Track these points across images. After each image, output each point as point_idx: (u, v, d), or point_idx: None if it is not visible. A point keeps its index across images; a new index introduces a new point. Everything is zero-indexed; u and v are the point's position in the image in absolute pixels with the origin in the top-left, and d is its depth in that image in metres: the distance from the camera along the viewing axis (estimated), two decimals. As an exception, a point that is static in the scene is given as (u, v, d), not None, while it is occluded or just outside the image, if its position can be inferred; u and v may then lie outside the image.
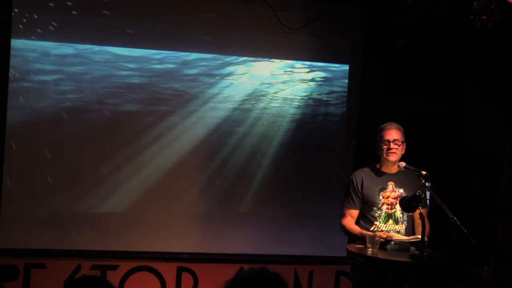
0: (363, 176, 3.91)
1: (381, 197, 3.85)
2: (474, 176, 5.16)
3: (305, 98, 5.06)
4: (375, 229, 3.83)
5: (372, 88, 5.12)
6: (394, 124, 3.90)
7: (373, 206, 3.85)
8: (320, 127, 5.09)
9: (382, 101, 5.04)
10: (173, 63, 4.82)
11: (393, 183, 3.88)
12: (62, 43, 4.61)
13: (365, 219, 3.88)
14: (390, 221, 3.84)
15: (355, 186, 3.90)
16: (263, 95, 4.99)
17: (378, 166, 3.93)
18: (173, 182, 4.82)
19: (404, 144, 3.90)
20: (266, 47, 4.97)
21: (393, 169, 3.89)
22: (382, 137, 3.87)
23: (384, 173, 3.91)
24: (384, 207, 3.85)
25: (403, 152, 3.90)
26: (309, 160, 5.05)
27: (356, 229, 3.85)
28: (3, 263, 4.52)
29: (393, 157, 3.86)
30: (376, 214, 3.85)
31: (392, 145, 3.84)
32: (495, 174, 5.22)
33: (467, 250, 3.67)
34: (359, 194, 3.88)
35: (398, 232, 3.85)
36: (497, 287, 4.67)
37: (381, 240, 3.67)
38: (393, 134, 3.85)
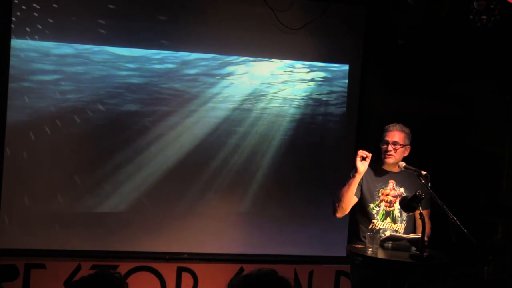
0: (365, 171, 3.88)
1: (380, 194, 3.86)
2: (474, 176, 5.16)
3: (305, 98, 5.06)
4: (373, 227, 3.83)
5: (372, 88, 5.12)
6: (398, 126, 3.87)
7: (371, 203, 3.85)
8: (320, 127, 5.09)
9: (382, 101, 5.04)
10: (173, 63, 4.82)
11: (394, 181, 3.88)
12: (62, 43, 4.61)
13: (364, 216, 3.88)
14: (388, 219, 3.85)
15: None
16: (263, 95, 4.99)
17: (380, 164, 3.93)
18: (173, 182, 4.82)
19: (407, 147, 3.87)
20: (266, 47, 4.97)
21: (396, 168, 3.89)
22: (383, 137, 3.87)
23: (386, 171, 3.91)
24: (383, 204, 3.85)
25: (405, 155, 3.87)
26: (309, 160, 5.05)
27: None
28: (3, 263, 4.52)
29: (389, 160, 3.85)
30: (374, 211, 3.85)
31: (389, 147, 3.83)
32: (495, 174, 5.23)
33: (467, 250, 3.67)
34: (358, 184, 3.86)
35: (396, 231, 3.85)
36: (496, 286, 4.67)
37: (380, 238, 3.69)
38: (393, 136, 3.84)
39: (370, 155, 3.75)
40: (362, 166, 3.75)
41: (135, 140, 4.76)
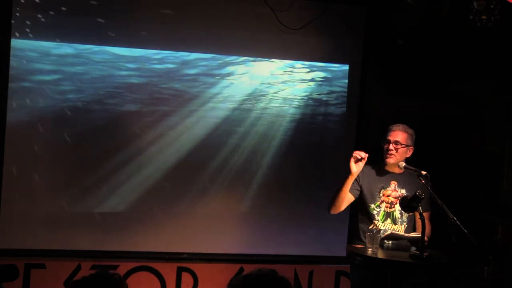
0: (364, 170, 3.86)
1: (381, 195, 3.85)
2: (474, 176, 5.16)
3: (305, 98, 5.06)
4: (373, 228, 3.83)
5: (372, 88, 5.12)
6: (401, 126, 3.87)
7: (372, 203, 3.85)
8: (320, 127, 5.09)
9: (382, 101, 5.05)
10: (173, 63, 4.82)
11: (396, 182, 3.87)
12: (62, 43, 4.61)
13: (364, 216, 3.89)
14: (388, 220, 3.85)
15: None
16: (263, 95, 5.00)
17: (382, 164, 3.92)
18: (173, 182, 4.82)
19: (410, 148, 3.86)
20: (266, 47, 4.97)
21: (397, 169, 3.87)
22: (386, 136, 3.87)
23: (388, 172, 3.90)
24: (383, 205, 3.84)
25: (407, 156, 3.86)
26: (309, 160, 5.05)
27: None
28: (3, 263, 4.52)
29: (390, 160, 3.84)
30: (375, 212, 3.85)
31: (391, 146, 3.82)
32: (495, 174, 5.22)
33: (467, 250, 3.67)
34: (357, 183, 3.86)
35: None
36: (496, 286, 4.67)
37: (380, 237, 3.69)
38: (396, 135, 3.83)
39: (366, 156, 3.73)
40: (356, 167, 3.74)
41: (135, 140, 4.76)
